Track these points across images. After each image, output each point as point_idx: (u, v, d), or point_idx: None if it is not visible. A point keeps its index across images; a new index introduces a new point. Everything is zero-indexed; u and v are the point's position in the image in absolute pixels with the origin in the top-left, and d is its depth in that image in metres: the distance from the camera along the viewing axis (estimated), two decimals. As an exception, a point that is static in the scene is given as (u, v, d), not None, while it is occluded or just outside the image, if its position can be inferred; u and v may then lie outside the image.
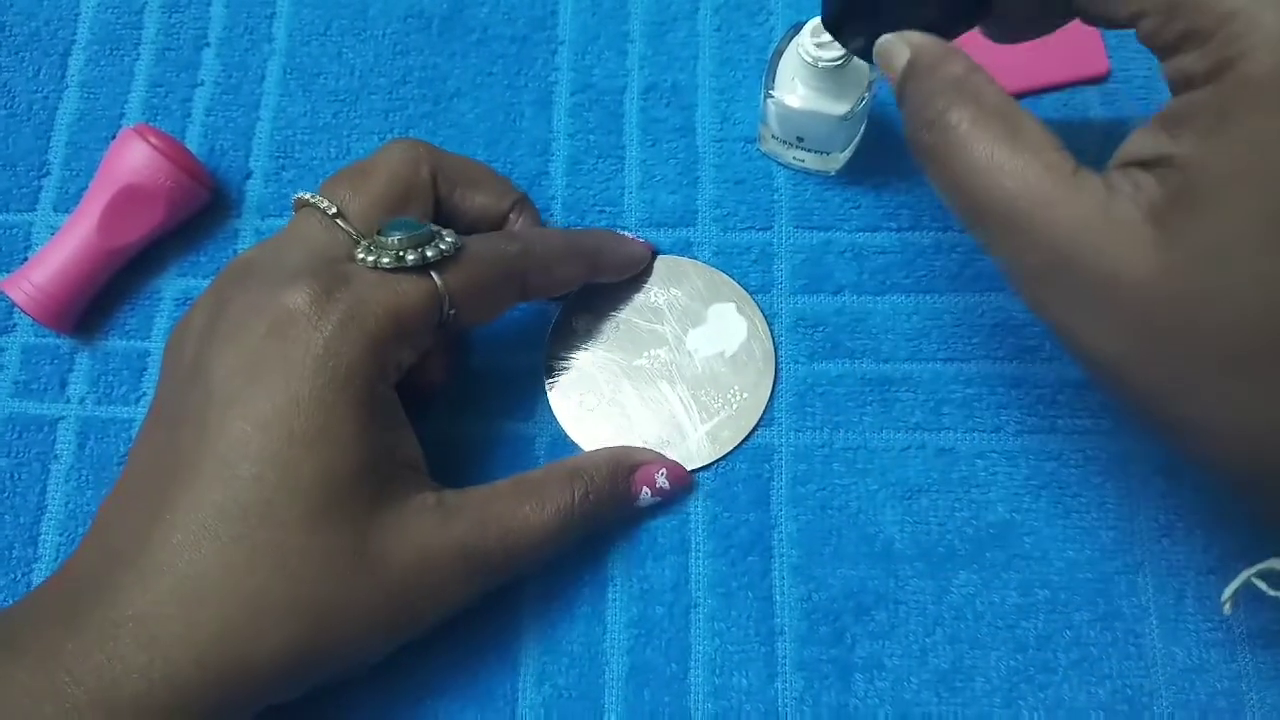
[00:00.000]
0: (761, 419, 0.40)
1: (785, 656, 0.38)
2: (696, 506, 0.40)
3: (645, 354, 0.41)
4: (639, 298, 0.42)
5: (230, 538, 0.30)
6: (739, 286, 0.42)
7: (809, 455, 0.40)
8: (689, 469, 0.40)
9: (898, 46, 0.32)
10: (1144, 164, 0.27)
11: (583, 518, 0.36)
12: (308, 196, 0.35)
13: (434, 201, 0.37)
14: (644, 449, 0.40)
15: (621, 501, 0.38)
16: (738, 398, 0.41)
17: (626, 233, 0.43)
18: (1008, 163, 0.28)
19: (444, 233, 0.34)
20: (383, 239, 0.34)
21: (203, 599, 0.29)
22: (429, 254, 0.33)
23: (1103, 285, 0.26)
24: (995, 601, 0.38)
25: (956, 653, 0.38)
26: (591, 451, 0.40)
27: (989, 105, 0.29)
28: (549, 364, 0.42)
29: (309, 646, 0.31)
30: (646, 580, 0.39)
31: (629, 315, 0.42)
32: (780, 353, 0.41)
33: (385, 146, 0.37)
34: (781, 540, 0.39)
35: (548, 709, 0.38)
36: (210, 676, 0.29)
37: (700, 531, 0.39)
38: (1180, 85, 0.26)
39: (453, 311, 0.34)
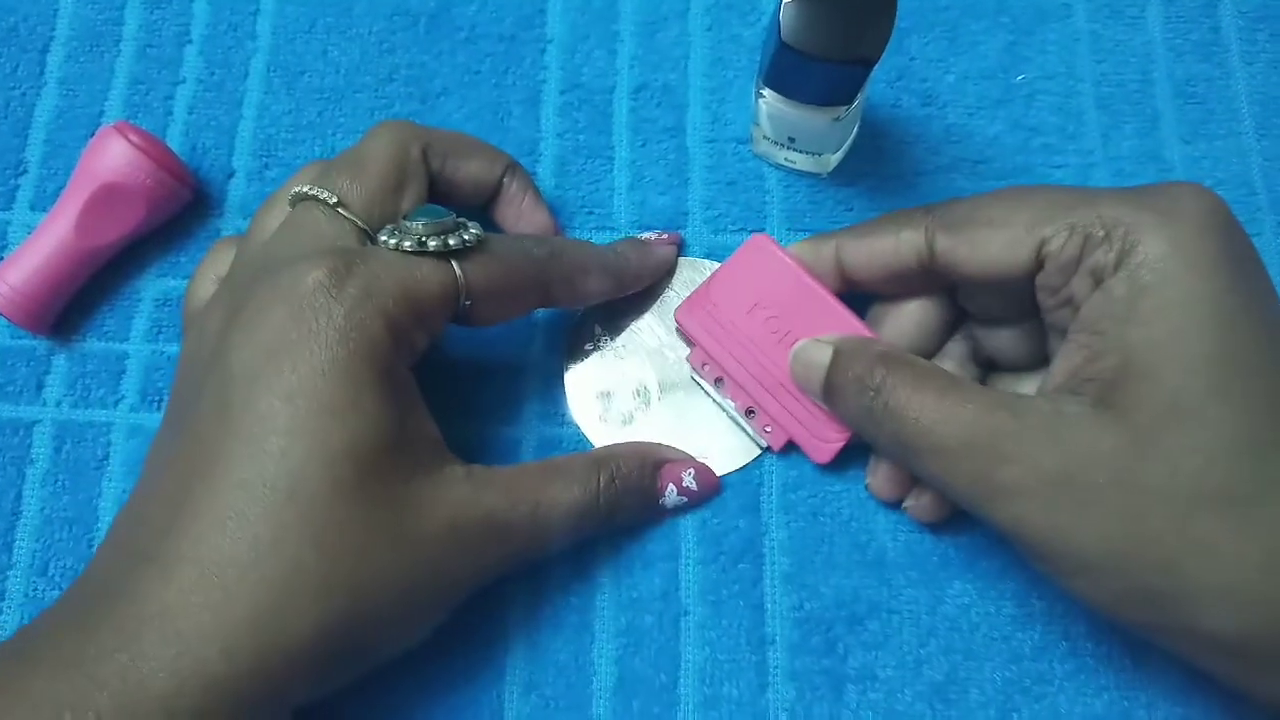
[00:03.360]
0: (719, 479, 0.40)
1: (777, 666, 0.37)
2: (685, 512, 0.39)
3: (678, 352, 0.41)
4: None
5: (257, 516, 0.29)
6: None
7: (800, 460, 0.39)
8: None
9: (818, 347, 0.36)
10: (1074, 375, 0.30)
11: (608, 504, 0.36)
12: (306, 189, 0.34)
13: (428, 178, 0.37)
14: (672, 448, 0.40)
15: (647, 495, 0.38)
16: (721, 454, 0.40)
17: (649, 234, 0.42)
18: (959, 404, 0.31)
19: (469, 224, 0.34)
20: (407, 224, 0.34)
21: (230, 585, 0.28)
22: (451, 242, 0.33)
23: (1081, 477, 0.29)
24: (990, 612, 0.37)
25: (951, 663, 0.37)
26: (619, 443, 0.39)
27: (921, 366, 0.33)
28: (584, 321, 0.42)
29: (345, 628, 0.30)
30: (635, 588, 0.38)
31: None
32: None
33: (372, 132, 0.37)
34: (772, 547, 0.39)
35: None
36: (242, 668, 0.28)
37: (690, 538, 0.39)
38: (1087, 290, 0.31)
39: (468, 303, 0.34)
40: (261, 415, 0.30)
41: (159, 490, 0.31)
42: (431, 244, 0.33)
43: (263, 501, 0.29)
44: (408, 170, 0.36)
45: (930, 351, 0.37)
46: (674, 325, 0.41)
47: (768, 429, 0.39)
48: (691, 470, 0.39)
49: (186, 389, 0.33)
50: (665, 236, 0.42)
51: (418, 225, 0.33)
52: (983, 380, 0.38)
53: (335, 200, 0.34)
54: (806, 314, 0.38)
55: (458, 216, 0.35)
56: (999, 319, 0.36)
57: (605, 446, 0.39)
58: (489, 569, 0.34)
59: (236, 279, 0.34)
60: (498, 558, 0.34)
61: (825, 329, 0.37)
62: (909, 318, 0.37)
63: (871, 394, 0.33)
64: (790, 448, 0.39)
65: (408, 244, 0.33)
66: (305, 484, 0.29)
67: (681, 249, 0.42)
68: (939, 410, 0.31)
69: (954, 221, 0.34)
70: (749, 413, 0.39)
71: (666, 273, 0.42)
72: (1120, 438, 0.29)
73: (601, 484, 0.36)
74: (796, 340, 0.38)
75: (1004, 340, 0.36)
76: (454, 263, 0.33)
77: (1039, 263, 0.32)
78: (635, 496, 0.37)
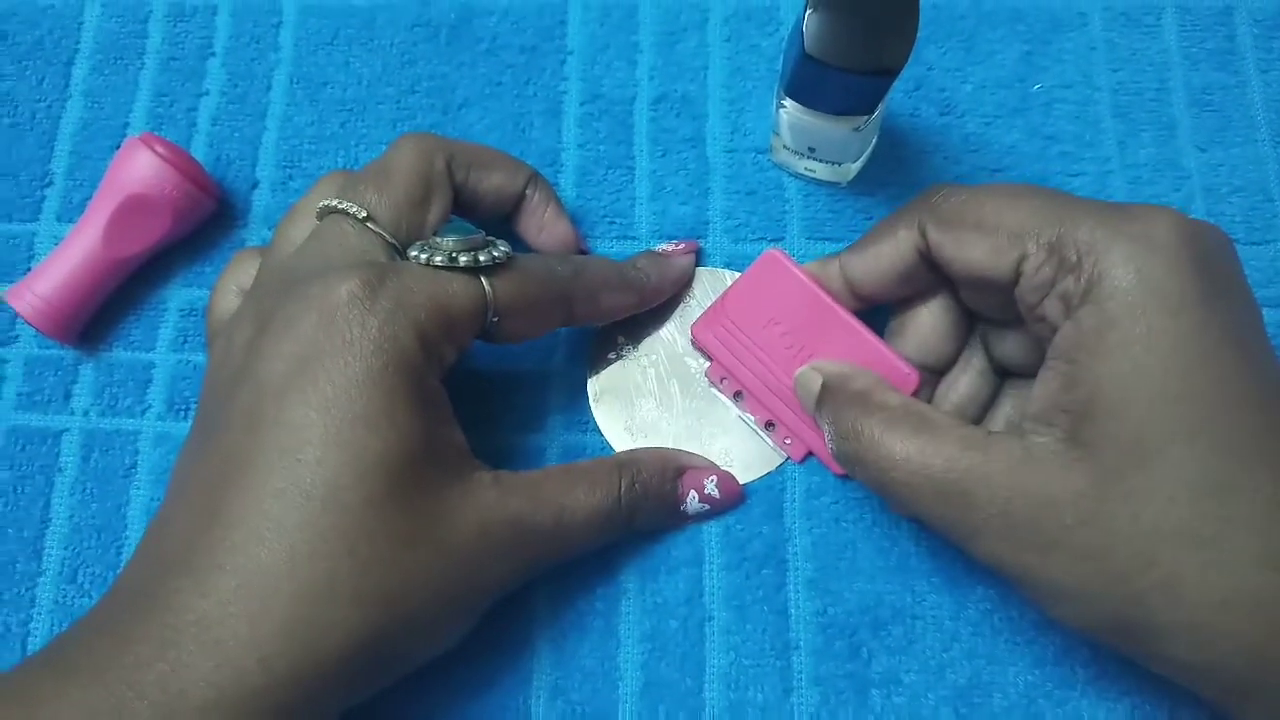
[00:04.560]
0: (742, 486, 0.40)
1: (801, 671, 0.37)
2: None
3: (701, 360, 0.41)
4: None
5: (293, 525, 0.29)
6: None
7: (823, 467, 0.40)
8: None
9: (811, 375, 0.37)
10: (1052, 403, 0.30)
11: (629, 507, 0.36)
12: (335, 203, 0.35)
13: (452, 190, 0.38)
14: (695, 454, 0.40)
15: (668, 501, 0.38)
16: (742, 463, 0.40)
17: (666, 245, 0.42)
18: (927, 448, 0.31)
19: (498, 242, 0.35)
20: (437, 240, 0.34)
21: (266, 595, 0.28)
22: (481, 258, 0.34)
23: (1047, 516, 0.29)
24: (1014, 616, 0.38)
25: (974, 668, 0.37)
26: (641, 448, 0.40)
27: (894, 408, 0.33)
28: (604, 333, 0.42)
29: (378, 636, 0.30)
30: (660, 594, 0.39)
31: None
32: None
33: (396, 144, 0.37)
34: (796, 553, 0.39)
35: (560, 725, 0.37)
36: (279, 678, 0.28)
37: (714, 544, 0.39)
38: (1059, 313, 0.30)
39: (495, 319, 0.34)
40: (295, 426, 0.30)
41: (190, 500, 0.31)
42: (462, 260, 0.33)
43: (300, 511, 0.29)
44: (433, 182, 0.36)
45: (951, 355, 0.37)
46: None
47: (787, 441, 0.40)
48: (714, 478, 0.39)
49: (214, 400, 0.33)
50: (681, 246, 0.42)
51: (448, 241, 0.34)
52: (999, 388, 0.38)
53: (364, 215, 0.34)
54: (820, 329, 0.38)
55: (485, 235, 0.35)
56: (1003, 320, 0.36)
57: (627, 451, 0.40)
58: (516, 573, 0.34)
59: (263, 290, 0.34)
60: (524, 561, 0.34)
61: (838, 343, 0.38)
62: (926, 325, 0.37)
63: (843, 440, 0.34)
64: (812, 457, 0.40)
65: (439, 259, 0.33)
66: (340, 494, 0.29)
67: (700, 258, 0.43)
68: (909, 458, 0.31)
69: (945, 217, 0.33)
70: (768, 425, 0.40)
71: (687, 283, 0.42)
72: (1087, 477, 0.29)
73: (623, 487, 0.36)
74: (812, 355, 0.38)
75: (1011, 347, 0.36)
76: (483, 279, 0.34)
77: (1016, 277, 0.32)
78: (655, 501, 0.38)
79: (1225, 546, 0.27)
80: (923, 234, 0.34)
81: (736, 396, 0.40)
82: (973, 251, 0.32)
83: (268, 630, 0.28)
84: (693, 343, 0.41)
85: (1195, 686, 0.30)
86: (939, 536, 0.38)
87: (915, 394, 0.36)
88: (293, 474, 0.29)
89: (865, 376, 0.36)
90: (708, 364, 0.41)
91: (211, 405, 0.33)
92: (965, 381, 0.37)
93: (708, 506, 0.39)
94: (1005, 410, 0.37)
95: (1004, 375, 0.38)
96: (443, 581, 0.32)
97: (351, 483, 0.30)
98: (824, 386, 0.36)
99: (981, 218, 0.33)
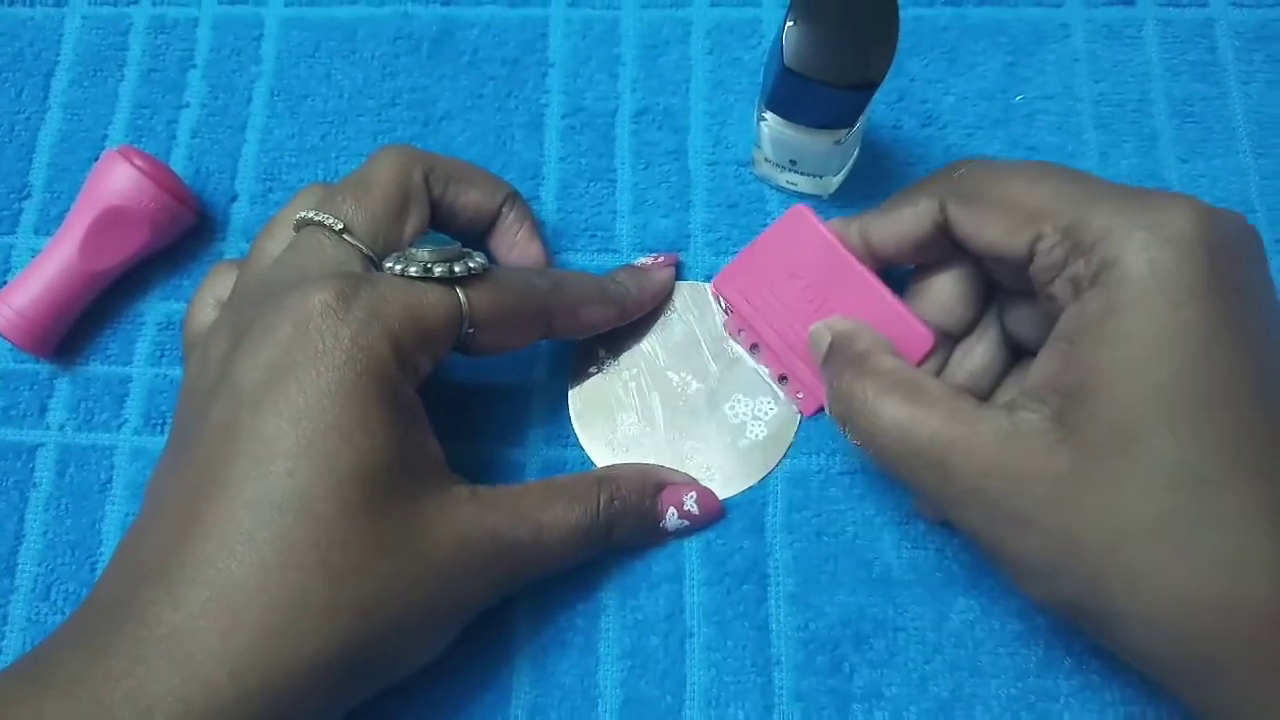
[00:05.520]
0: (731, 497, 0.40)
1: (783, 687, 0.37)
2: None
3: (682, 374, 0.41)
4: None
5: (264, 538, 0.29)
6: None
7: (804, 480, 0.39)
8: None
9: (822, 332, 0.37)
10: (1047, 382, 0.30)
11: (608, 523, 0.36)
12: (311, 215, 0.35)
13: (430, 204, 0.37)
14: (675, 471, 0.40)
15: (647, 517, 0.38)
16: (724, 478, 0.40)
17: (645, 259, 0.42)
18: (915, 416, 0.31)
19: (475, 254, 0.35)
20: (413, 251, 0.34)
21: (237, 607, 0.28)
22: (456, 269, 0.33)
23: (1022, 493, 0.29)
24: (995, 628, 0.37)
25: (956, 681, 0.37)
26: (621, 464, 0.40)
27: (888, 373, 0.33)
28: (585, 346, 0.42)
29: (351, 649, 0.30)
30: (640, 610, 0.38)
31: (698, 332, 0.42)
32: (775, 377, 0.41)
33: (375, 156, 0.37)
34: (777, 568, 0.39)
35: (540, 742, 0.37)
36: (251, 692, 0.28)
37: (694, 559, 0.39)
38: (1068, 294, 0.30)
39: (471, 330, 0.34)
40: (268, 437, 0.30)
41: (165, 512, 0.31)
42: (437, 270, 0.33)
43: (271, 523, 0.29)
44: (410, 195, 0.36)
45: (969, 321, 0.37)
46: (676, 348, 0.41)
47: (799, 395, 0.40)
48: (693, 494, 0.39)
49: (190, 412, 0.33)
50: (661, 259, 0.42)
51: (423, 253, 0.33)
52: (1011, 363, 0.37)
53: (341, 226, 0.34)
54: (840, 285, 0.38)
55: (462, 247, 0.35)
56: (1021, 291, 0.35)
57: (607, 466, 0.40)
58: (494, 588, 0.34)
59: (240, 302, 0.34)
60: (502, 576, 0.34)
61: (857, 301, 0.37)
62: (945, 290, 0.37)
63: (836, 400, 0.34)
64: (810, 430, 0.40)
65: (414, 270, 0.33)
66: (312, 505, 0.29)
67: (680, 271, 0.43)
68: (897, 425, 0.31)
69: (966, 194, 0.33)
70: (782, 379, 0.40)
71: (667, 296, 0.42)
72: (1067, 458, 0.28)
73: (602, 503, 0.36)
74: (831, 311, 0.38)
75: (1025, 320, 0.36)
76: (458, 289, 0.34)
77: (1031, 256, 0.32)
78: (635, 517, 0.37)
79: (1193, 543, 0.27)
80: (942, 208, 0.34)
81: (753, 349, 0.41)
82: (990, 229, 0.32)
83: (239, 643, 0.28)
84: (713, 294, 0.41)
85: (1155, 677, 0.30)
86: (920, 548, 0.38)
87: (929, 354, 0.36)
88: (264, 485, 0.29)
89: (869, 337, 0.36)
90: (726, 317, 0.41)
91: (187, 418, 0.33)
92: (981, 350, 0.37)
93: (687, 523, 0.38)
94: (1016, 384, 0.37)
95: (1017, 353, 0.37)
96: (419, 593, 0.31)
97: (324, 493, 0.29)
98: (830, 344, 0.36)
99: (1001, 196, 0.32)
